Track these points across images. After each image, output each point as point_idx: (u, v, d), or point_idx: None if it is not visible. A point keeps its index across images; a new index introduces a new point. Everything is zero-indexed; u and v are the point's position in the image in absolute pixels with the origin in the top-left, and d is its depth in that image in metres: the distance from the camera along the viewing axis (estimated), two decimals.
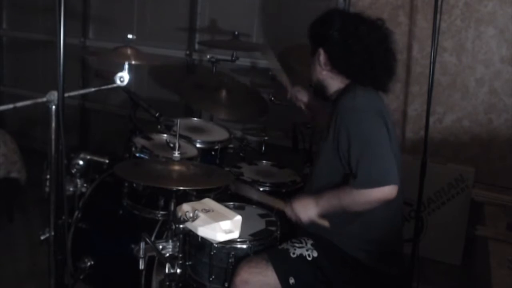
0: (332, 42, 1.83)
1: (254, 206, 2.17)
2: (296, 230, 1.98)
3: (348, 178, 1.75)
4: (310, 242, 1.83)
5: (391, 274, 1.86)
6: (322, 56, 1.87)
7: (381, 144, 1.71)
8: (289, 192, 2.38)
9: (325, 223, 1.81)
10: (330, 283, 1.78)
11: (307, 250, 1.80)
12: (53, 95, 1.44)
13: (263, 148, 2.94)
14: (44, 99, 1.45)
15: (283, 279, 1.74)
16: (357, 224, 1.80)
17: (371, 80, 1.84)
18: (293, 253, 1.79)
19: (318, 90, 1.97)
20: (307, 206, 1.83)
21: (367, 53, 1.80)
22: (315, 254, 1.79)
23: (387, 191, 1.68)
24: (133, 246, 1.76)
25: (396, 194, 1.70)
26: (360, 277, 1.80)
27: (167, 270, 1.73)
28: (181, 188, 1.81)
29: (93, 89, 1.65)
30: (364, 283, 1.81)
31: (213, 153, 2.54)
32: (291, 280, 1.74)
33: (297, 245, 1.82)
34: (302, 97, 2.26)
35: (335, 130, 1.77)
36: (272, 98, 2.92)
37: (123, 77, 1.59)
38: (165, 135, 2.39)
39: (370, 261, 1.80)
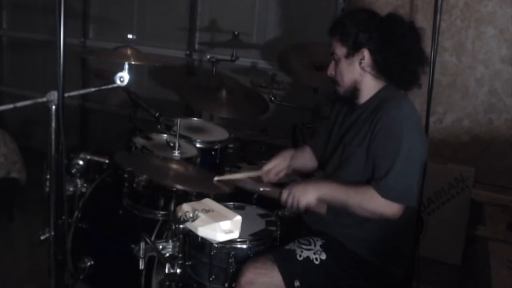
0: (377, 43, 1.78)
1: (254, 206, 2.17)
2: (300, 229, 1.97)
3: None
4: (319, 243, 1.80)
5: (400, 275, 1.86)
6: (367, 57, 1.80)
7: (416, 163, 1.71)
8: None
9: (322, 209, 1.78)
10: (338, 287, 1.76)
11: (314, 253, 1.76)
12: (53, 95, 1.44)
13: (263, 148, 2.94)
14: (44, 99, 1.45)
15: (288, 281, 1.72)
16: (369, 226, 1.78)
17: (412, 81, 1.83)
18: (300, 256, 1.75)
19: (347, 94, 1.89)
20: (307, 188, 1.78)
21: (410, 54, 1.78)
22: (324, 256, 1.76)
23: (397, 209, 1.69)
24: (133, 246, 1.76)
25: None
26: (370, 279, 1.78)
27: (167, 270, 1.73)
28: (179, 186, 1.81)
29: (93, 89, 1.65)
30: (373, 285, 1.80)
31: (213, 153, 2.54)
32: (297, 283, 1.72)
33: (304, 246, 1.78)
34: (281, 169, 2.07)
35: (371, 135, 1.73)
36: (272, 98, 2.92)
37: (123, 77, 1.59)
38: (165, 135, 2.39)
39: (381, 263, 1.79)
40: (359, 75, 1.84)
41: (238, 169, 2.55)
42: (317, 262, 1.75)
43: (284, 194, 1.81)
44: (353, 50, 1.82)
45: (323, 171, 2.00)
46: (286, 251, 1.79)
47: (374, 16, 1.84)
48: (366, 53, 1.80)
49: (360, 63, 1.82)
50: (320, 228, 1.88)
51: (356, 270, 1.77)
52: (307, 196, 1.77)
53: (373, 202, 1.69)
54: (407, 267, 1.92)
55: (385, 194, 1.68)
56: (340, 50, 1.85)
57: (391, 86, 1.84)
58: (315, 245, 1.79)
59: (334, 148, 1.94)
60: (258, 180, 2.25)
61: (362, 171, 1.78)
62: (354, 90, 1.86)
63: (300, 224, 1.99)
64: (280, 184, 1.91)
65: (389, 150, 1.69)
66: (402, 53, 1.77)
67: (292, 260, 1.75)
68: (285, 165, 2.08)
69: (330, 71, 1.91)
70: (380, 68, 1.81)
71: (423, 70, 1.86)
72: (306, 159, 2.13)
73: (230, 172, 2.24)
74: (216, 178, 1.92)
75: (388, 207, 1.69)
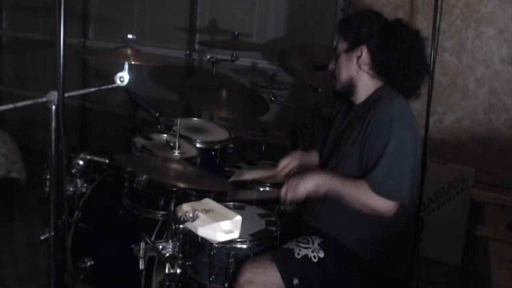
0: (378, 42, 1.79)
1: (254, 206, 2.17)
2: (301, 229, 1.97)
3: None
4: (317, 241, 1.80)
5: (399, 275, 1.85)
6: (364, 55, 1.82)
7: (406, 159, 1.70)
8: None
9: (319, 194, 1.78)
10: (335, 285, 1.77)
11: (312, 251, 1.77)
12: (53, 95, 1.44)
13: (263, 148, 2.94)
14: (44, 99, 1.45)
15: (287, 279, 1.73)
16: (368, 225, 1.78)
17: (410, 87, 1.83)
18: (298, 254, 1.76)
19: (342, 90, 1.91)
20: (304, 178, 1.80)
21: (409, 60, 1.78)
22: (322, 254, 1.77)
23: (389, 206, 1.68)
24: (133, 246, 1.76)
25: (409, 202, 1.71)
26: (368, 278, 1.79)
27: (167, 270, 1.73)
28: (180, 185, 1.81)
29: (93, 89, 1.64)
30: (371, 284, 1.80)
31: (213, 153, 2.54)
32: (295, 281, 1.73)
33: (302, 245, 1.79)
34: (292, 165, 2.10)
35: (363, 134, 1.74)
36: (272, 98, 2.92)
37: (123, 77, 1.59)
38: (165, 135, 2.39)
39: (380, 263, 1.79)
40: (356, 71, 1.85)
41: (238, 169, 2.55)
42: (315, 260, 1.76)
43: (283, 188, 1.83)
44: (353, 45, 1.84)
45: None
46: (284, 250, 1.80)
47: (380, 18, 1.85)
48: (364, 50, 1.81)
49: (358, 59, 1.83)
50: (319, 227, 1.88)
51: (354, 269, 1.78)
52: (305, 184, 1.79)
53: (366, 196, 1.69)
54: (406, 267, 1.91)
55: (374, 188, 1.68)
56: (342, 45, 1.88)
57: (388, 87, 1.84)
58: (313, 244, 1.80)
59: (331, 148, 1.94)
60: (263, 181, 2.27)
61: (357, 170, 1.78)
62: (350, 87, 1.88)
63: (300, 222, 1.99)
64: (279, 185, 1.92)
65: (378, 146, 1.70)
66: (401, 57, 1.78)
67: (291, 258, 1.76)
68: (296, 164, 2.10)
69: (331, 65, 1.93)
70: (377, 68, 1.82)
71: (423, 79, 1.86)
72: (312, 162, 2.13)
73: (242, 170, 2.29)
74: (231, 179, 2.02)
75: (379, 203, 1.68)
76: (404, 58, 1.78)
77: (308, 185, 1.79)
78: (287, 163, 2.10)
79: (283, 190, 1.83)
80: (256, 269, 1.75)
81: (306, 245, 1.79)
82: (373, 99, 1.82)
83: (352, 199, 1.72)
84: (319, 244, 1.79)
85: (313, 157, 2.14)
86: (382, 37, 1.79)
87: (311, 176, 1.81)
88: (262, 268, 1.74)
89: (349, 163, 1.80)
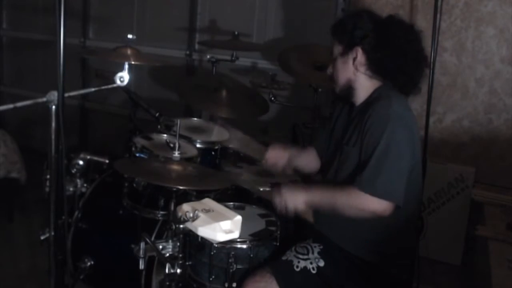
0: (372, 41, 1.78)
1: (254, 206, 2.17)
2: (303, 230, 1.96)
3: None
4: (317, 250, 1.79)
5: (400, 276, 1.85)
6: (359, 56, 1.80)
7: (401, 159, 1.68)
8: None
9: (309, 217, 1.74)
10: None
11: (311, 262, 1.75)
12: (53, 95, 1.44)
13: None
14: (44, 99, 1.45)
15: None
16: (370, 226, 1.76)
17: (409, 83, 1.81)
18: (297, 266, 1.75)
19: (342, 93, 1.90)
20: (296, 193, 1.79)
21: (405, 56, 1.77)
22: (321, 263, 1.75)
23: (384, 207, 1.65)
24: (133, 246, 1.76)
25: (408, 203, 1.70)
26: (370, 280, 1.78)
27: (167, 270, 1.73)
28: (180, 187, 1.81)
29: (93, 89, 1.65)
30: (374, 286, 1.79)
31: (213, 153, 2.54)
32: None
33: (301, 256, 1.78)
34: (281, 159, 2.14)
35: (362, 134, 1.73)
36: (272, 98, 2.92)
37: (123, 77, 1.59)
38: (165, 135, 2.39)
39: (381, 264, 1.78)
40: (353, 73, 1.84)
41: (238, 169, 2.55)
42: (314, 272, 1.75)
43: (276, 196, 1.82)
44: (348, 48, 1.83)
45: (323, 176, 1.99)
46: (283, 262, 1.78)
47: (373, 17, 1.83)
48: (359, 51, 1.80)
49: (354, 61, 1.82)
50: (319, 230, 1.87)
51: (355, 273, 1.77)
52: (296, 200, 1.78)
53: (358, 199, 1.66)
54: (407, 268, 1.90)
55: (364, 188, 1.65)
56: (337, 48, 1.87)
57: (387, 85, 1.82)
58: (312, 253, 1.78)
59: (334, 150, 1.93)
60: (258, 179, 2.27)
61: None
62: (349, 89, 1.87)
63: (300, 224, 1.99)
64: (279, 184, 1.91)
65: (370, 146, 1.69)
66: (397, 54, 1.77)
67: (290, 271, 1.75)
68: (284, 157, 2.12)
69: (329, 69, 1.92)
70: (374, 68, 1.80)
71: (422, 74, 1.84)
72: (309, 160, 2.13)
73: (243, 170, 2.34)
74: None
75: (373, 203, 1.65)
76: (400, 54, 1.77)
77: (299, 200, 1.78)
78: (274, 161, 2.13)
79: (276, 199, 1.82)
80: (257, 284, 1.74)
81: (305, 256, 1.78)
82: (373, 98, 1.81)
83: (347, 207, 1.70)
84: (318, 253, 1.78)
85: (309, 155, 2.13)
86: (376, 36, 1.78)
87: (302, 191, 1.79)
88: (263, 282, 1.74)
89: (352, 164, 1.78)
